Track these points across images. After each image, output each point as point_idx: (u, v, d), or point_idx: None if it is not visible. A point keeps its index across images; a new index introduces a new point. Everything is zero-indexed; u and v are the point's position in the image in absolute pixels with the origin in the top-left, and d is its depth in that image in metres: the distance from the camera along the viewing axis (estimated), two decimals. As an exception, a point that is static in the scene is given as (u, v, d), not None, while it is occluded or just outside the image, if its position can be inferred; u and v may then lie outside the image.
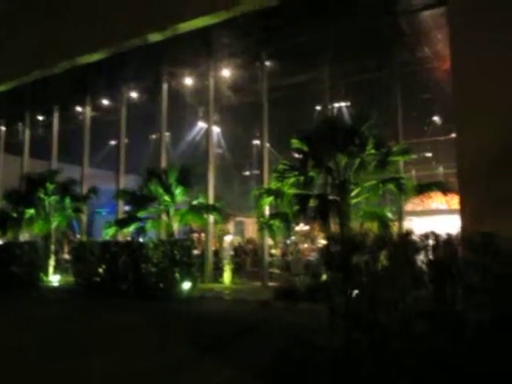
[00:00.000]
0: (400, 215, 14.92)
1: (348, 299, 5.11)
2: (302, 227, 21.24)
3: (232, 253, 22.40)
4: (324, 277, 6.01)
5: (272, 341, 7.83)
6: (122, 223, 16.81)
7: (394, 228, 12.83)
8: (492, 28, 10.67)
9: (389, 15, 15.47)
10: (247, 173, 31.28)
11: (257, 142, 26.35)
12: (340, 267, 5.21)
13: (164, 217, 16.49)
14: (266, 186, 16.15)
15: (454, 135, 20.02)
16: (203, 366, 6.93)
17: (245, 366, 6.69)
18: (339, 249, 5.38)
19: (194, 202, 16.58)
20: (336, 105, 20.72)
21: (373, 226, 12.00)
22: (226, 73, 20.25)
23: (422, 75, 18.52)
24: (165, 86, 20.79)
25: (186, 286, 14.42)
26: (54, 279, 18.84)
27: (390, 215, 12.73)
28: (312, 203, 12.23)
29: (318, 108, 19.98)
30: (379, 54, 16.81)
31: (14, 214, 19.72)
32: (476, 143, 10.79)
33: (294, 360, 5.79)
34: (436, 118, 23.34)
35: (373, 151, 12.48)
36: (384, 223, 12.12)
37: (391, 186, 12.37)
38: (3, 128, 28.72)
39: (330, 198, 12.54)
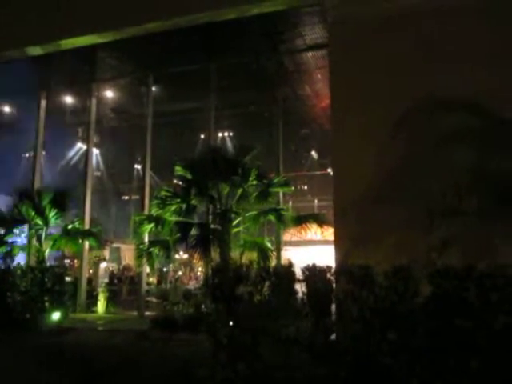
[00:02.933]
0: (278, 245, 15.33)
1: (232, 331, 5.11)
2: (181, 255, 21.05)
3: (107, 280, 21.60)
4: (205, 307, 5.96)
5: (150, 375, 7.06)
6: (-15, 247, 15.48)
7: (273, 258, 13.17)
8: (369, 70, 11.49)
9: (275, 53, 16.11)
10: (126, 197, 30.53)
11: (138, 166, 25.95)
12: (225, 298, 5.21)
13: (35, 241, 15.45)
14: (146, 212, 15.81)
15: (328, 170, 21.35)
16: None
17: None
18: (224, 280, 5.38)
19: (69, 227, 15.78)
20: (220, 134, 21.08)
21: (253, 256, 12.21)
22: (109, 94, 19.72)
23: (303, 111, 19.52)
24: (43, 103, 19.68)
25: (56, 316, 13.52)
26: None
27: (269, 245, 13.08)
28: (193, 231, 12.21)
29: (203, 136, 20.17)
30: (264, 89, 17.42)
31: None
32: (351, 180, 11.40)
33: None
34: (313, 153, 24.67)
35: (255, 182, 12.80)
36: (264, 253, 12.41)
37: (271, 217, 12.76)
38: None
39: (212, 226, 12.58)
